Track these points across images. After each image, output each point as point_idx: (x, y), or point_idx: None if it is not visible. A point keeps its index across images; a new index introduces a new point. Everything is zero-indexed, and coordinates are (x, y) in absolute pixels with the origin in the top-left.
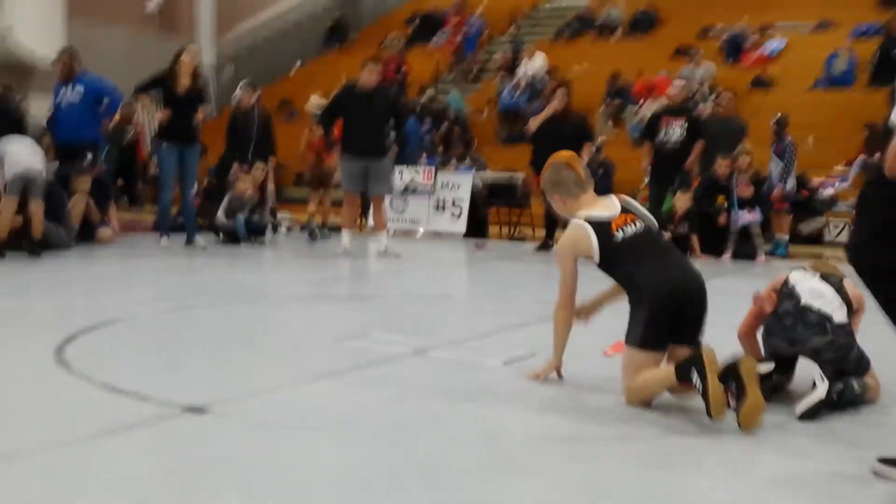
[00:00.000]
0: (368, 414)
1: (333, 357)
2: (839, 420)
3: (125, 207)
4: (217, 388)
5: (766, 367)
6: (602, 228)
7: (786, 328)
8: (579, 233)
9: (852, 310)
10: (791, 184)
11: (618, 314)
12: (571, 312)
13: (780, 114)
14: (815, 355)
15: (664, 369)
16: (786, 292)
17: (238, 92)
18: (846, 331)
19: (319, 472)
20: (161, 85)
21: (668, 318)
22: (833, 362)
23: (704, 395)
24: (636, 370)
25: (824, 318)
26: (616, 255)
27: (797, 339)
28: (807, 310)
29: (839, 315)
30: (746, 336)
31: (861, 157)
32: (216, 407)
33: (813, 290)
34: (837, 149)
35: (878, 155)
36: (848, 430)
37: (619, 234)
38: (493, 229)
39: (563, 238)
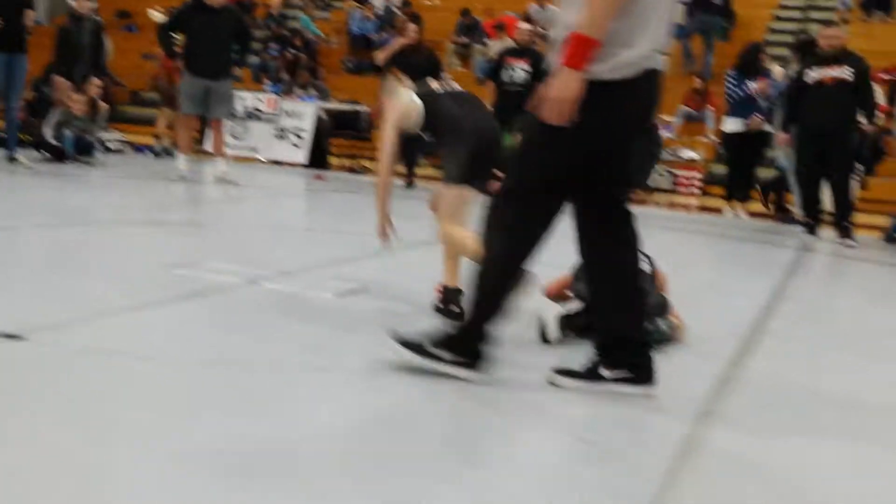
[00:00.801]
0: (197, 344)
1: (162, 285)
2: None
3: None
4: (37, 314)
5: (576, 306)
6: (427, 93)
7: (645, 298)
8: (409, 107)
9: (655, 278)
10: None
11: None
12: (390, 176)
13: None
14: None
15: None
16: None
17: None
18: (646, 278)
19: (142, 399)
20: None
21: (482, 159)
22: None
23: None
24: (455, 208)
25: None
26: (439, 104)
27: None
28: None
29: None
30: (555, 295)
31: (691, 106)
32: (35, 334)
33: None
34: (667, 98)
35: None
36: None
37: (441, 90)
38: (334, 161)
39: (393, 112)
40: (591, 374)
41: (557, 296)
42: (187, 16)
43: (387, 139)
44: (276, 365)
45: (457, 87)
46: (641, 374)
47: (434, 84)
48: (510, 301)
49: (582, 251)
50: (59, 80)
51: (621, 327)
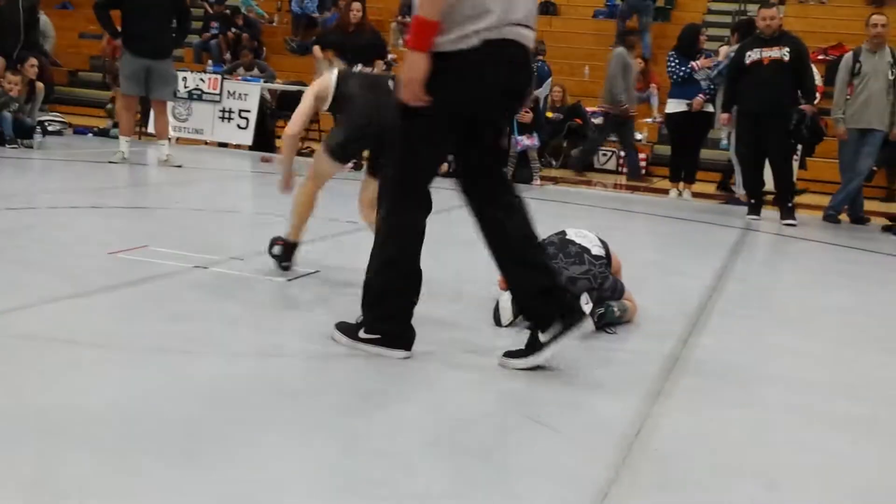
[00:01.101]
0: (142, 330)
1: (107, 271)
2: (598, 339)
3: None
4: None
5: None
6: (343, 73)
7: (548, 256)
8: (327, 79)
9: (611, 261)
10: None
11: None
12: (296, 137)
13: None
14: (571, 284)
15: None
16: (556, 232)
17: None
18: (602, 263)
19: (87, 385)
20: None
21: (364, 142)
22: (589, 291)
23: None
24: (319, 171)
25: (583, 250)
26: (347, 84)
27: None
28: (569, 243)
29: (596, 250)
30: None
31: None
32: None
33: (579, 232)
34: None
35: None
36: (603, 346)
37: (355, 70)
38: (280, 143)
39: (315, 84)
40: (532, 347)
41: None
42: None
43: (303, 104)
44: (221, 351)
45: (384, 74)
46: (573, 317)
47: (361, 68)
48: (410, 282)
49: (477, 226)
50: (32, 60)
51: (533, 284)
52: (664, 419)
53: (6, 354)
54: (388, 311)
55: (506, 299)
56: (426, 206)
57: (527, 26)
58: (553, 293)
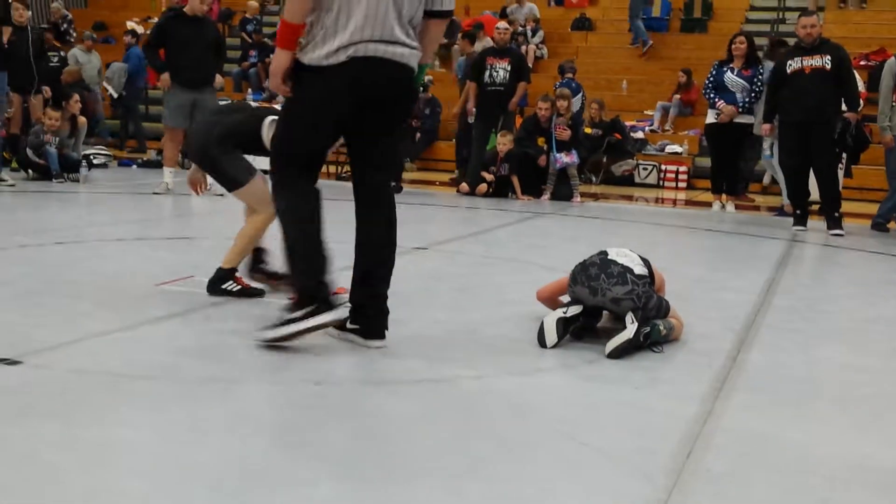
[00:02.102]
0: (192, 361)
1: (155, 302)
2: (645, 358)
3: None
4: (29, 336)
5: (575, 309)
6: None
7: (590, 277)
8: None
9: (654, 279)
10: None
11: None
12: None
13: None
14: (615, 305)
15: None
16: (597, 253)
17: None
18: (645, 282)
19: (138, 417)
20: None
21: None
22: (634, 311)
23: None
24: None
25: (626, 270)
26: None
27: (598, 290)
28: (611, 263)
29: (639, 269)
30: (543, 299)
31: (677, 98)
32: (29, 357)
33: (620, 251)
34: (650, 92)
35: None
36: (651, 366)
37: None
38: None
39: None
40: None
41: (550, 300)
42: (168, 28)
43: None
44: (270, 379)
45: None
46: (373, 328)
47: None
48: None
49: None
50: (34, 98)
51: (367, 293)
52: (716, 438)
53: (57, 388)
54: (304, 289)
55: (550, 320)
56: (310, 179)
57: (394, 42)
58: (377, 306)
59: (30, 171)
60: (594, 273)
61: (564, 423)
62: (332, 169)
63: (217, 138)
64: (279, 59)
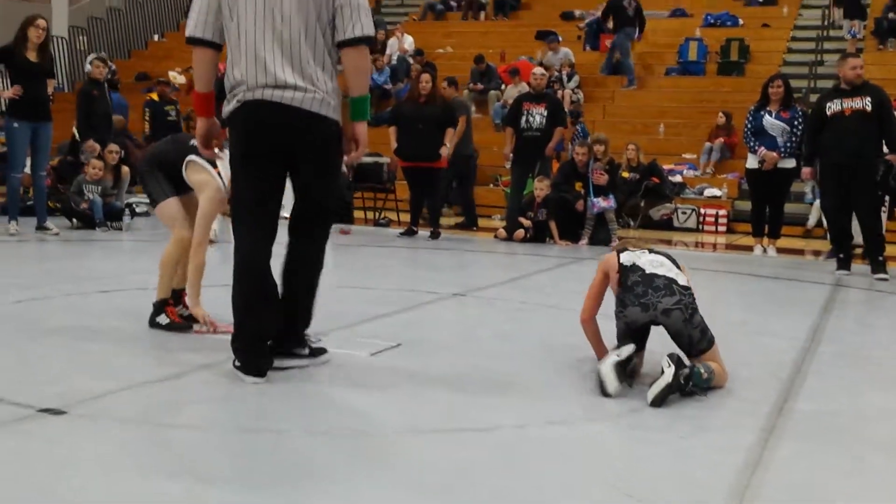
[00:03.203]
0: (238, 408)
1: (197, 349)
2: (690, 406)
3: None
4: (75, 384)
5: (627, 350)
6: None
7: (638, 296)
8: None
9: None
10: None
11: None
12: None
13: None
14: (665, 317)
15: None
16: (627, 269)
17: (87, 66)
18: (689, 293)
19: (182, 468)
20: (6, 58)
21: None
22: (683, 325)
23: None
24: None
25: (670, 281)
26: None
27: (649, 304)
28: (654, 276)
29: (682, 279)
30: (589, 321)
31: (720, 142)
32: (75, 407)
33: (653, 261)
34: (687, 136)
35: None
36: (695, 414)
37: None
38: (358, 214)
39: None
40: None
41: (594, 307)
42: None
43: None
44: (312, 429)
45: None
46: (254, 364)
47: None
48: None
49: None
50: (91, 143)
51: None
52: (765, 489)
53: (102, 438)
54: (241, 343)
55: (607, 368)
56: (261, 230)
57: (281, 87)
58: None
59: (74, 219)
60: (641, 291)
61: (608, 474)
62: (370, 215)
63: (147, 157)
64: (200, 126)
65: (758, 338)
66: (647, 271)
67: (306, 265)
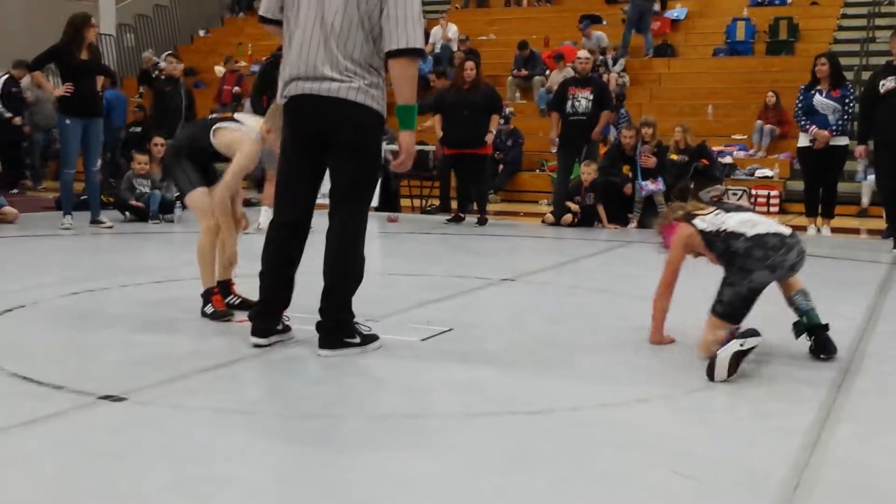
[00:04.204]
0: (286, 396)
1: (248, 338)
2: (747, 387)
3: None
4: (133, 373)
5: (753, 341)
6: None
7: (760, 259)
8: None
9: None
10: None
11: None
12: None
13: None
14: (792, 271)
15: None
16: (719, 237)
17: (162, 63)
18: (794, 234)
19: (236, 452)
20: (57, 57)
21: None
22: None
23: None
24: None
25: (780, 235)
26: None
27: (776, 265)
28: (762, 236)
29: (779, 226)
30: (662, 298)
31: (769, 126)
32: (133, 394)
33: (744, 221)
34: (737, 117)
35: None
36: (752, 395)
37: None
38: (404, 202)
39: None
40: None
41: (668, 290)
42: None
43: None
44: (363, 414)
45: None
46: (258, 327)
47: None
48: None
49: None
50: (157, 140)
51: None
52: (824, 470)
53: (159, 425)
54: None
55: (726, 354)
56: (292, 214)
57: (310, 78)
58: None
59: (126, 213)
60: (761, 254)
61: (664, 456)
62: (417, 203)
63: (172, 149)
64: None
65: None
66: (751, 234)
67: (333, 245)
